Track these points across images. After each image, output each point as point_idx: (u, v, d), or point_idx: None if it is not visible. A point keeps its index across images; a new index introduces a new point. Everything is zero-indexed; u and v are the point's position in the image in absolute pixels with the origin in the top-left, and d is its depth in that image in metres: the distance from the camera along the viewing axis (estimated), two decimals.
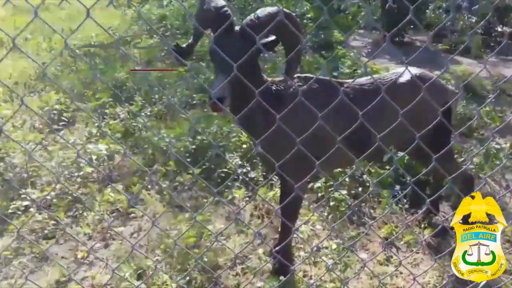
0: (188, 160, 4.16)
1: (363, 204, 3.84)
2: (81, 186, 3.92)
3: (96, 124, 4.76)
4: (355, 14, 9.66)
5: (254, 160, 4.23)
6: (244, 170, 4.15)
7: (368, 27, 9.47)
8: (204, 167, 4.05)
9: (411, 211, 3.79)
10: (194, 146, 4.27)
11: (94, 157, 4.13)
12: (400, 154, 3.69)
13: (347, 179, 3.94)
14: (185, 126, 4.68)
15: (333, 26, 7.77)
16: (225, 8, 2.51)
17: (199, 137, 4.32)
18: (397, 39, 8.57)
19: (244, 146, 4.38)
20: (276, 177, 3.84)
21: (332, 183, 3.87)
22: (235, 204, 3.79)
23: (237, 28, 2.54)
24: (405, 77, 3.04)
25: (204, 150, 4.25)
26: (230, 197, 3.84)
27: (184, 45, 2.71)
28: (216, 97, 2.39)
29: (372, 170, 4.13)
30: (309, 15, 8.79)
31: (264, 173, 4.08)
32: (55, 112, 5.10)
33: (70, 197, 3.75)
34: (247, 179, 4.02)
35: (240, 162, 4.22)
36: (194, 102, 5.40)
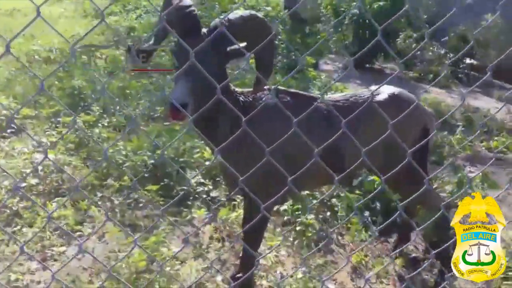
0: (146, 175, 3.84)
1: (331, 230, 3.60)
2: (23, 199, 3.53)
3: (47, 133, 4.38)
4: (326, 38, 9.63)
5: (217, 179, 3.96)
6: (206, 189, 3.85)
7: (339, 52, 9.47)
8: (162, 184, 3.74)
9: (381, 238, 3.58)
10: (152, 161, 3.95)
11: (40, 168, 3.74)
12: (372, 178, 3.49)
13: (314, 203, 3.71)
14: (145, 139, 4.35)
15: (304, 49, 7.69)
16: (191, 8, 2.28)
17: (158, 152, 4.01)
18: (367, 65, 8.58)
19: (207, 163, 4.10)
20: (240, 197, 3.57)
21: (299, 206, 3.63)
22: (194, 225, 3.48)
23: (204, 30, 2.31)
24: (383, 95, 2.87)
25: (164, 165, 3.93)
26: (189, 217, 3.54)
27: (144, 46, 2.46)
28: (177, 103, 2.14)
29: (342, 194, 3.91)
30: (280, 37, 8.68)
31: (227, 193, 3.80)
32: (2, 118, 4.67)
33: (9, 211, 3.36)
34: (208, 198, 3.73)
35: (202, 180, 3.92)
36: (156, 115, 5.10)
